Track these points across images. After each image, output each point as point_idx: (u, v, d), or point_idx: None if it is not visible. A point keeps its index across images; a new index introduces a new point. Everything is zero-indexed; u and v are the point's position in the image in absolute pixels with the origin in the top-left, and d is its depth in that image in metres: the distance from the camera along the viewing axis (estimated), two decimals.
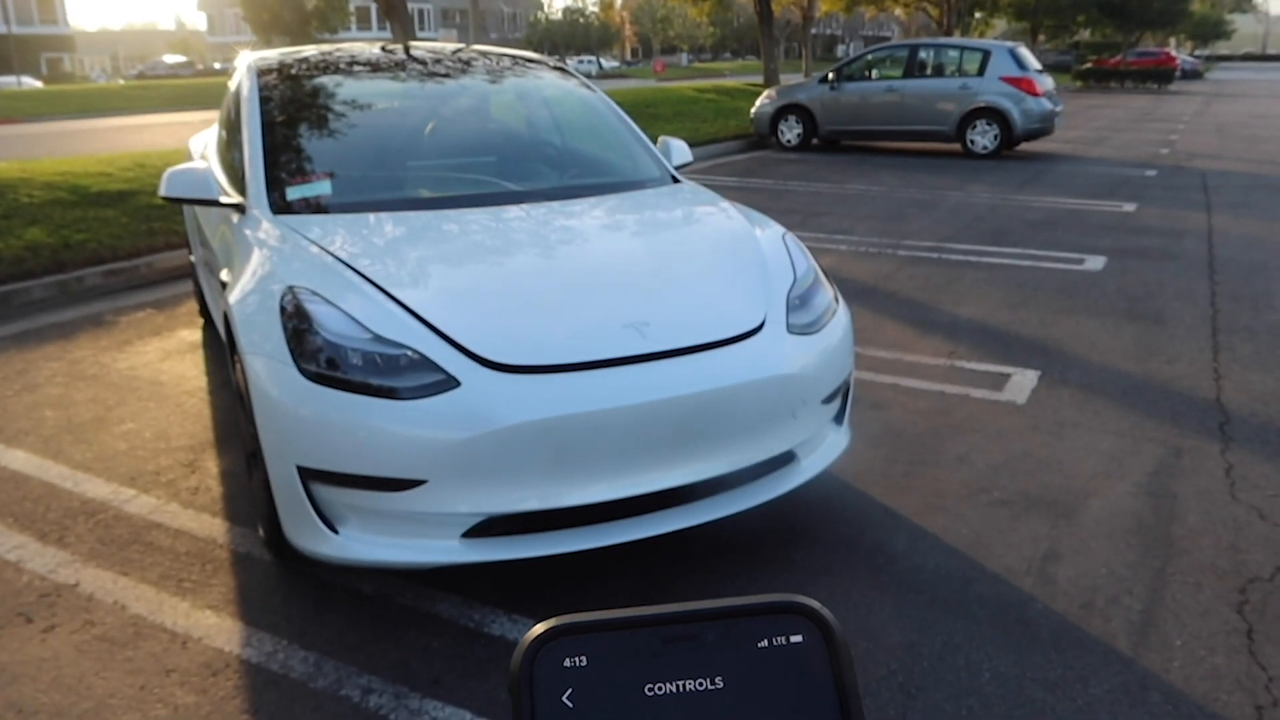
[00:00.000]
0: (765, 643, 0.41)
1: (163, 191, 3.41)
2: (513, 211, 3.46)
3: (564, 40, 73.97)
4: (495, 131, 4.35)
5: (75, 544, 3.07)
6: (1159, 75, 38.26)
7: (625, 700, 0.40)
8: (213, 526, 3.17)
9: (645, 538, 2.59)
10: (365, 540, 2.54)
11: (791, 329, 2.87)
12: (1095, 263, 7.05)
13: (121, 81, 50.37)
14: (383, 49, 4.54)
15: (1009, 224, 8.61)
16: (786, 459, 2.86)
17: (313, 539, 2.57)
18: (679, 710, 0.40)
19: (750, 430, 2.69)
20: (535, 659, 0.40)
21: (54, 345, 5.13)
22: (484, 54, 4.66)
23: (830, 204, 9.76)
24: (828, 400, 2.95)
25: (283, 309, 2.63)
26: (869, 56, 15.11)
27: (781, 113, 14.94)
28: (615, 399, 2.48)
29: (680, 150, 4.23)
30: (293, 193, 3.40)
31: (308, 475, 2.51)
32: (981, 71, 13.63)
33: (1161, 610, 2.70)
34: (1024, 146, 14.40)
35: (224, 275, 3.25)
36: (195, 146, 5.49)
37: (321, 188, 3.49)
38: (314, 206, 3.36)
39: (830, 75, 14.69)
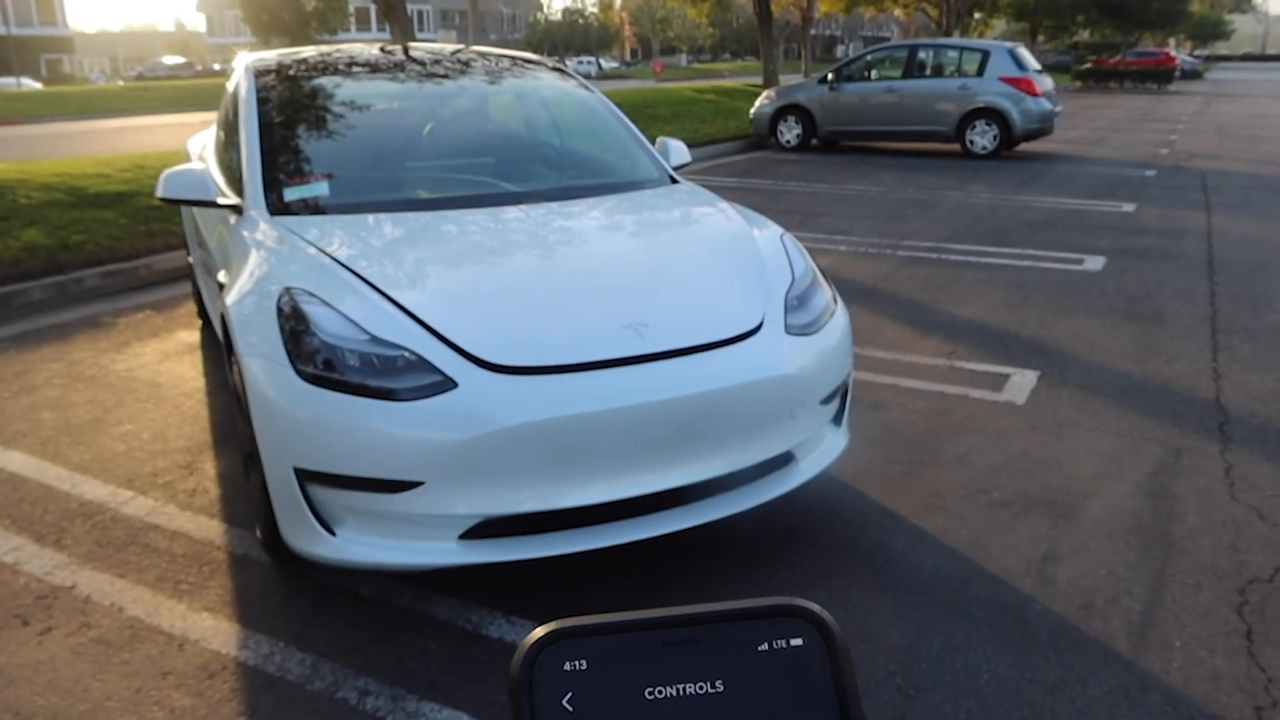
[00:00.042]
0: (765, 646, 0.41)
1: (160, 193, 3.41)
2: (511, 212, 3.46)
3: (563, 41, 73.97)
4: (494, 132, 4.34)
5: (72, 546, 3.06)
6: (1158, 75, 38.28)
7: (625, 704, 0.40)
8: (210, 528, 3.17)
9: (644, 539, 2.58)
10: (362, 542, 2.54)
11: (790, 329, 2.87)
12: (1095, 263, 7.05)
13: (120, 83, 50.40)
14: (381, 50, 4.54)
15: (1008, 224, 8.61)
16: (785, 460, 2.85)
17: (310, 541, 2.56)
18: (679, 714, 0.40)
19: (749, 431, 2.69)
20: (535, 662, 0.40)
21: (52, 347, 5.12)
22: (483, 55, 4.66)
23: (829, 204, 9.76)
24: (826, 401, 2.95)
25: (280, 310, 2.63)
26: (868, 57, 15.11)
27: (781, 113, 14.95)
28: (613, 400, 2.47)
29: (679, 151, 4.22)
30: (290, 194, 3.40)
31: (305, 477, 2.51)
32: (981, 72, 13.64)
33: (1161, 611, 2.70)
34: (1023, 147, 14.40)
35: (221, 276, 3.24)
36: (193, 148, 5.49)
37: (319, 189, 3.49)
38: (312, 208, 3.36)
39: (829, 76, 14.70)
